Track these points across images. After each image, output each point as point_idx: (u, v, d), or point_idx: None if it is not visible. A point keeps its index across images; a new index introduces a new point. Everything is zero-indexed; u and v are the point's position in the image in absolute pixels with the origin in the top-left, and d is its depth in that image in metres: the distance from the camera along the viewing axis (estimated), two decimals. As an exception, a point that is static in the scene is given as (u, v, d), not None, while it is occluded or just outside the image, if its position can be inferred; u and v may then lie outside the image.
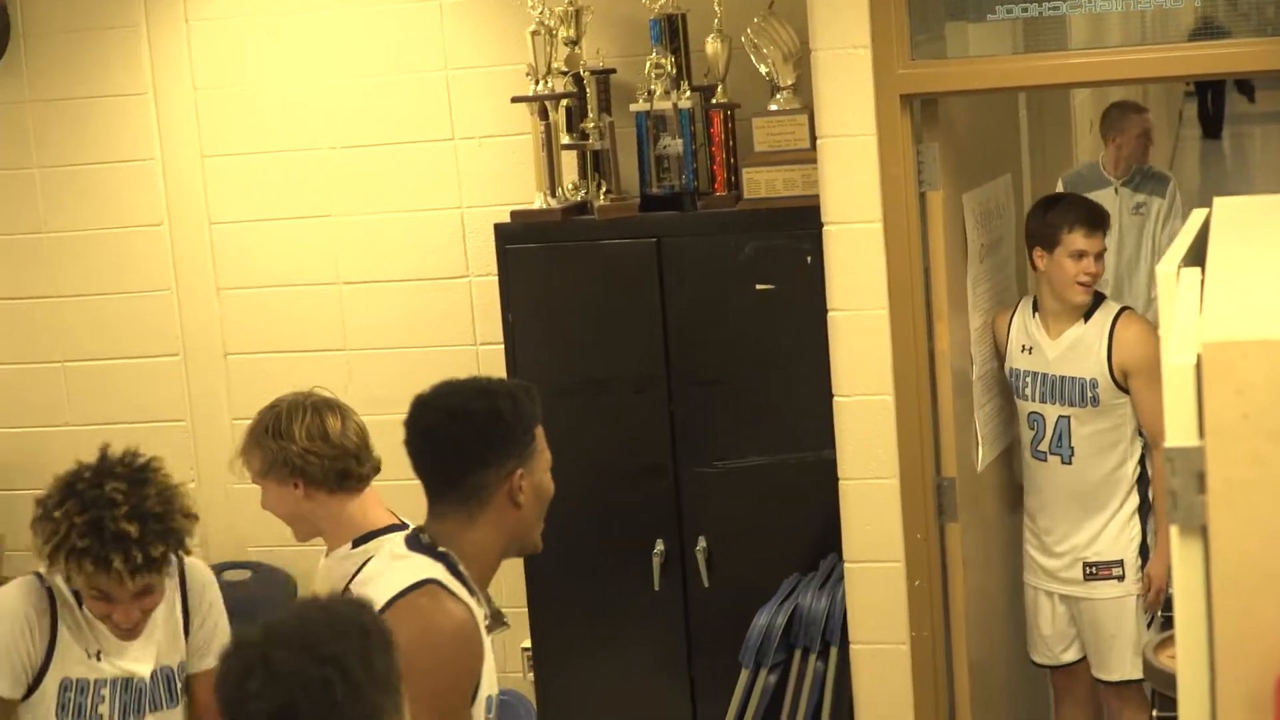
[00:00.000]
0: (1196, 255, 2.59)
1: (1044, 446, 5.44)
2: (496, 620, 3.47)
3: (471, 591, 3.29)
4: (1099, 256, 5.36)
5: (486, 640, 3.35)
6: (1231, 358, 1.99)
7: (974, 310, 5.54)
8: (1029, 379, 5.42)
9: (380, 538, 4.01)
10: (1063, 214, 5.38)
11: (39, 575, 3.83)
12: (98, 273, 6.51)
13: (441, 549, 3.29)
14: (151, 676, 3.83)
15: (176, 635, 3.93)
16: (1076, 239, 5.26)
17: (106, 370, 6.46)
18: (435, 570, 3.25)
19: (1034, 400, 5.40)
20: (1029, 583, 5.79)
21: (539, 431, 3.40)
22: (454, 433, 3.32)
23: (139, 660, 3.81)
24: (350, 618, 2.54)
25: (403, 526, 3.93)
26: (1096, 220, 5.44)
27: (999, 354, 5.67)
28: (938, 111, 5.04)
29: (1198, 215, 2.80)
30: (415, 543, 3.35)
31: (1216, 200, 3.09)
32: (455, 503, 3.32)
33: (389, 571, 3.34)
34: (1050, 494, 5.59)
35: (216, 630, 3.94)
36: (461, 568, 3.29)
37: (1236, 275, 2.41)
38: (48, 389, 6.38)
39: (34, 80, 6.49)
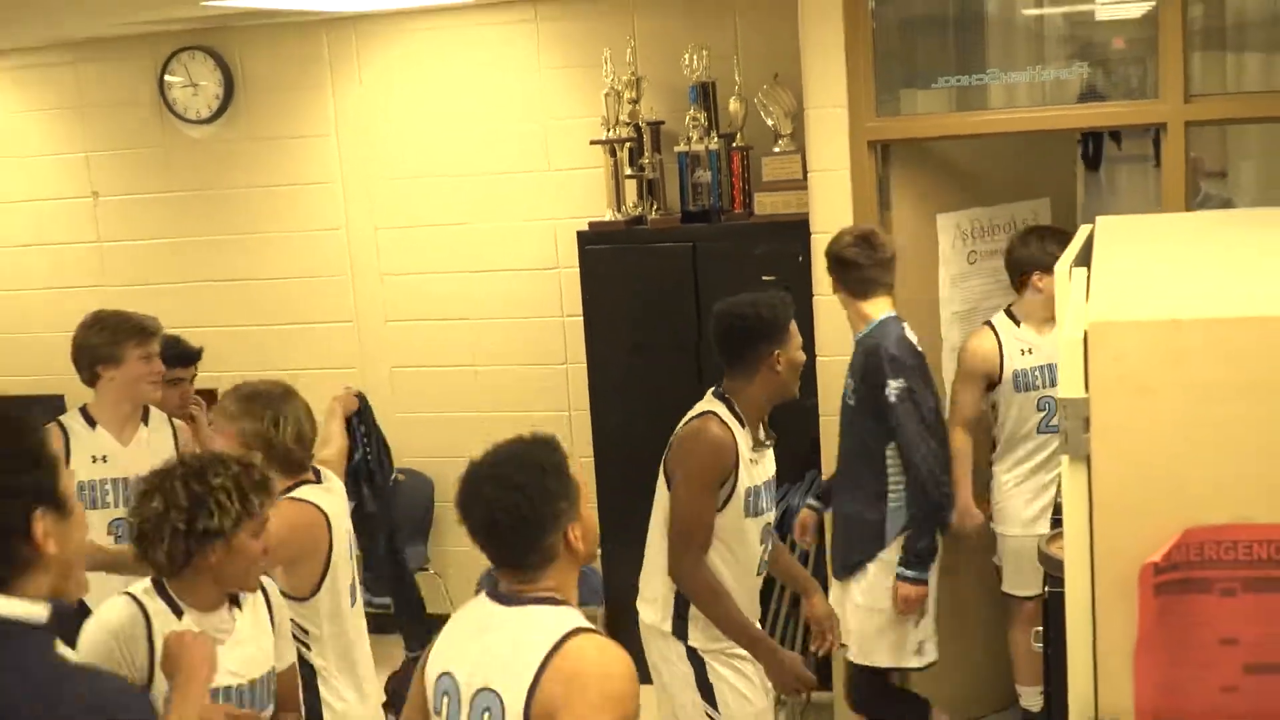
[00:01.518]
0: (1084, 258, 2.57)
1: (1055, 421, 5.04)
2: (759, 444, 3.99)
3: (742, 424, 3.91)
4: None
5: (746, 454, 3.90)
6: (1110, 333, 1.99)
7: (949, 297, 5.17)
8: (1037, 372, 4.81)
9: None
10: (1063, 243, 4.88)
11: (133, 596, 3.00)
12: (292, 262, 6.53)
13: (728, 395, 3.94)
14: (251, 684, 3.08)
15: (269, 643, 3.19)
16: None
17: (298, 332, 6.48)
18: (717, 407, 3.92)
19: (1045, 387, 4.79)
20: (1016, 534, 4.92)
21: (792, 326, 3.94)
22: (737, 326, 3.91)
23: (239, 672, 3.04)
24: (534, 456, 2.69)
25: None
26: None
27: (989, 374, 4.86)
28: (893, 153, 4.97)
29: (1084, 229, 2.77)
30: (718, 392, 3.98)
31: (1099, 218, 3.07)
32: (739, 370, 3.93)
33: (699, 405, 3.99)
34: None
35: (285, 634, 3.33)
36: (738, 409, 3.92)
37: (1113, 273, 2.40)
38: (251, 348, 6.41)
39: (250, 123, 6.50)
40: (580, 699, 2.57)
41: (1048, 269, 4.90)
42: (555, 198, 6.11)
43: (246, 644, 3.10)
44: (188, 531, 2.86)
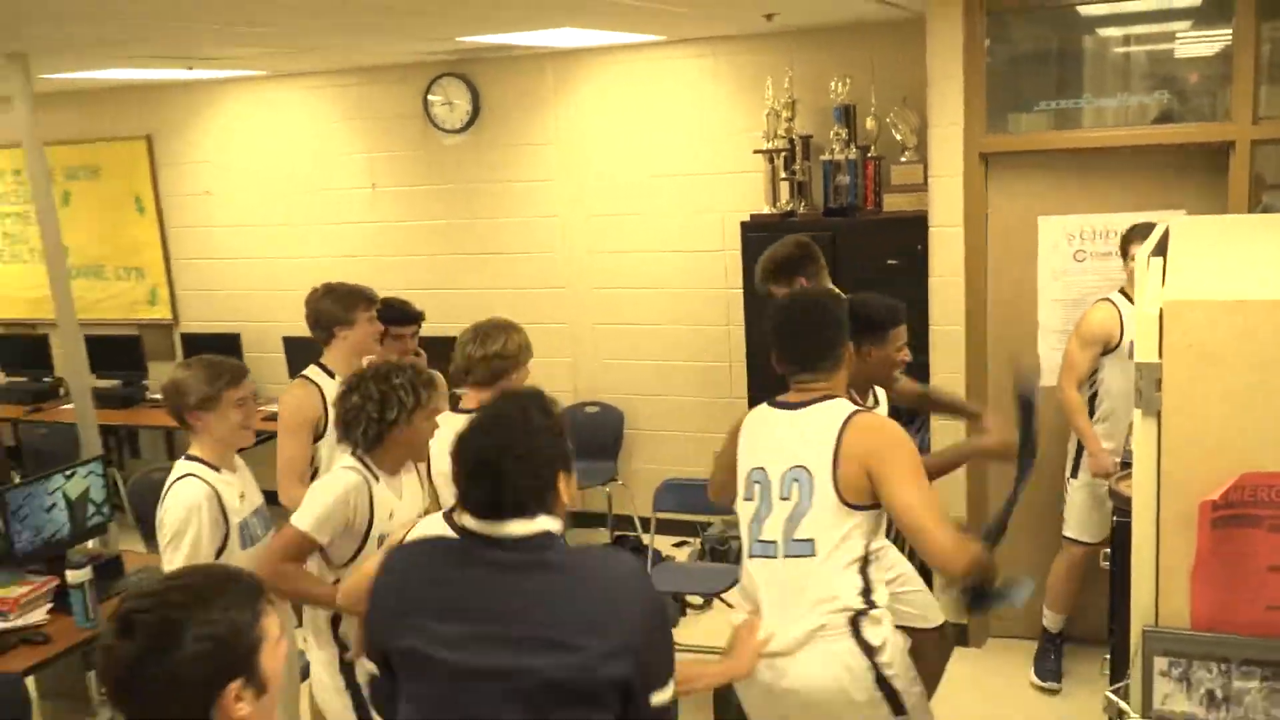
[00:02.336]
0: (1160, 249, 2.44)
1: None
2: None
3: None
4: None
5: None
6: (1182, 310, 1.92)
7: (1048, 287, 4.77)
8: None
9: None
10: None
11: (354, 467, 3.10)
12: (520, 241, 6.58)
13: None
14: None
15: (421, 499, 3.30)
16: None
17: (524, 296, 6.55)
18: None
19: None
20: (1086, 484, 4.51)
21: (894, 333, 3.41)
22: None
23: (407, 522, 2.94)
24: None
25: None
26: None
27: (1107, 340, 4.40)
28: (1000, 164, 4.79)
29: (1161, 225, 2.63)
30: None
31: (1174, 217, 2.94)
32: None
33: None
34: None
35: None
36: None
37: (1185, 261, 2.28)
38: (484, 307, 6.37)
39: (491, 133, 6.55)
40: (879, 437, 2.79)
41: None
42: (724, 195, 6.04)
43: (415, 500, 3.27)
44: (379, 419, 3.05)
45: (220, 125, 7.25)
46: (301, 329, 6.86)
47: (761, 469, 2.90)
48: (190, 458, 3.31)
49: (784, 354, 2.98)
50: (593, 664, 1.96)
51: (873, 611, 2.82)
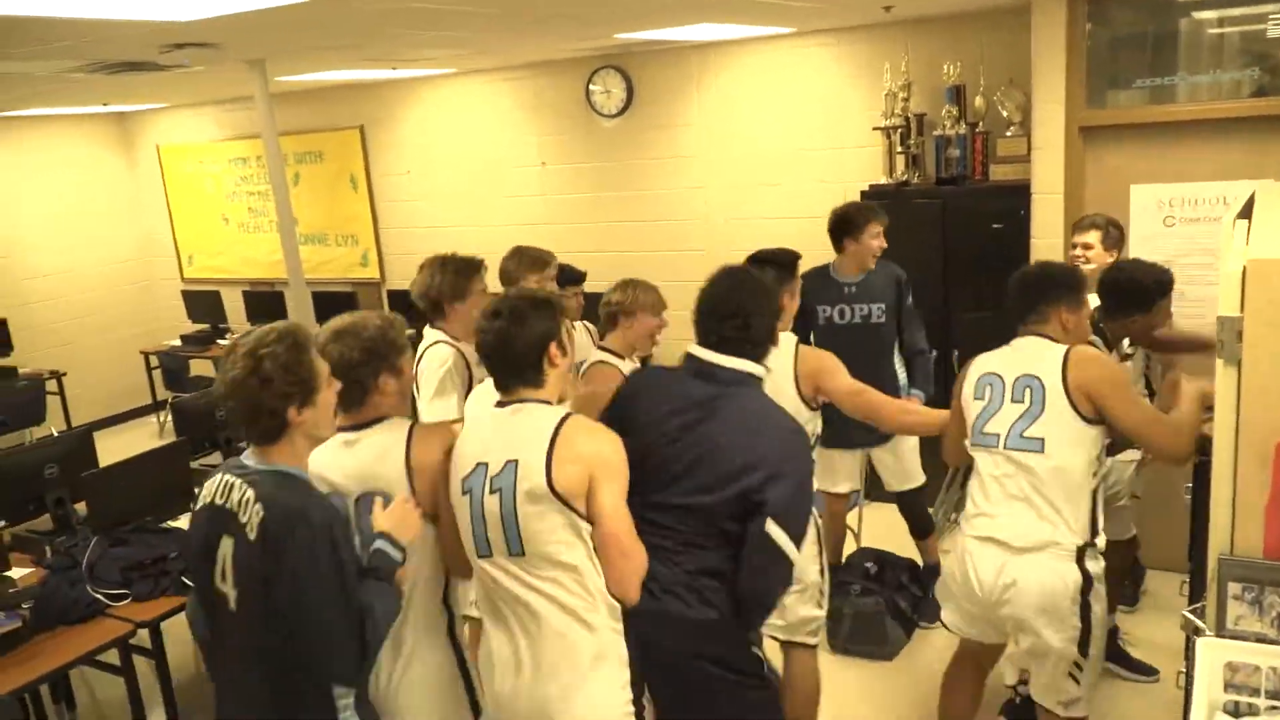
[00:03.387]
0: (1246, 213, 2.29)
1: None
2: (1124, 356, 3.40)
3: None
4: None
5: None
6: (1264, 268, 1.80)
7: (1137, 250, 4.34)
8: None
9: None
10: None
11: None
12: (667, 209, 6.56)
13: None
14: None
15: None
16: None
17: (669, 258, 6.55)
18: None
19: None
20: None
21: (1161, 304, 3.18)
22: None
23: None
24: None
25: None
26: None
27: None
28: (1097, 137, 4.55)
29: (1248, 191, 2.47)
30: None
31: (1259, 184, 2.74)
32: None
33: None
34: None
35: None
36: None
37: (1268, 225, 2.12)
38: (634, 268, 6.45)
39: (643, 116, 6.53)
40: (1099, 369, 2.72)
41: None
42: (844, 167, 5.90)
43: None
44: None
45: (418, 116, 7.42)
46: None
47: (995, 374, 2.84)
48: (435, 328, 3.45)
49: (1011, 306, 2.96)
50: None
51: (1096, 544, 2.75)
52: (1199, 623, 1.99)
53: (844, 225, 4.24)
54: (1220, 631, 1.88)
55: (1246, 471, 1.83)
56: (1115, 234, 3.87)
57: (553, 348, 2.24)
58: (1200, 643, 1.82)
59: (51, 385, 7.63)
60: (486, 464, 2.18)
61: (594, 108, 6.63)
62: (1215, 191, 4.17)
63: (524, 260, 3.90)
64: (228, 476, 2.09)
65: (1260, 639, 1.83)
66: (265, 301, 8.09)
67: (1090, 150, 4.55)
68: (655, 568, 2.18)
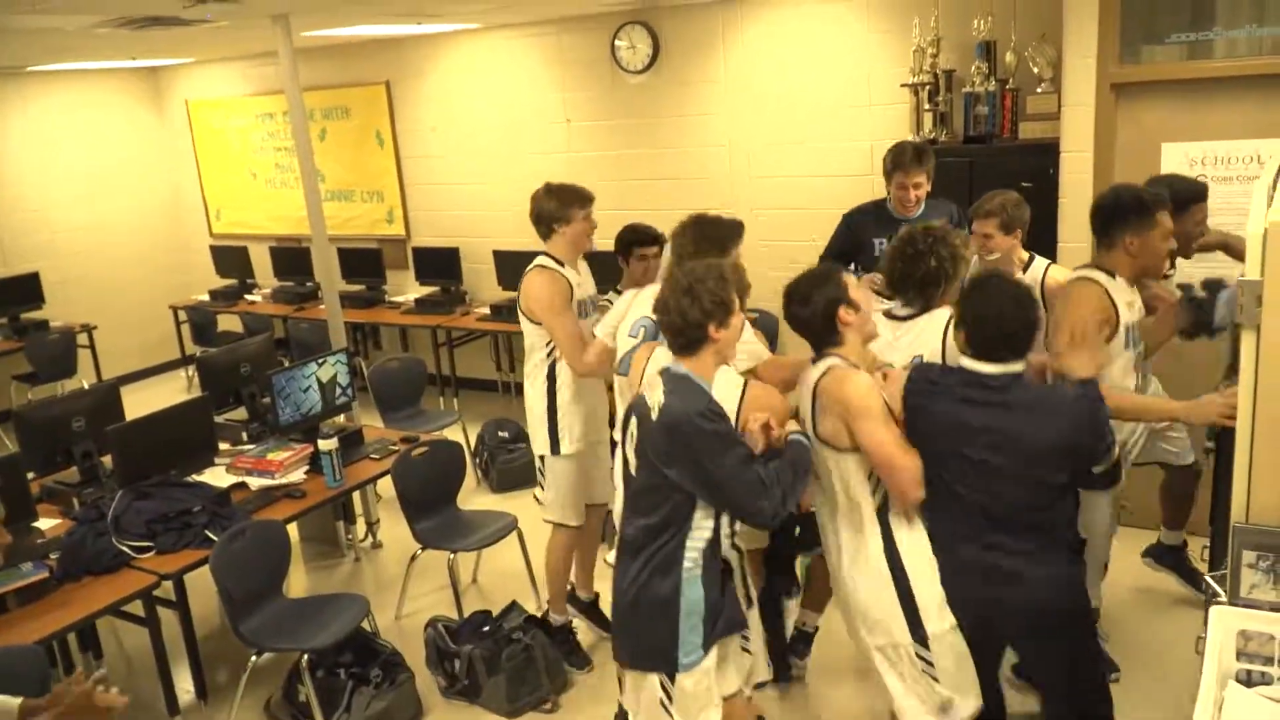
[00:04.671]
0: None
1: None
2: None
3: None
4: None
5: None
6: None
7: None
8: None
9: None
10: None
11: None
12: (693, 167, 6.49)
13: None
14: None
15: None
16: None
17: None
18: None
19: None
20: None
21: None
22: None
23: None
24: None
25: None
26: None
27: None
28: (1128, 94, 4.43)
29: (1278, 158, 2.39)
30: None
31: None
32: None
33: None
34: None
35: None
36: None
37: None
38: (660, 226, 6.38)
39: (669, 73, 6.45)
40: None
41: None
42: (872, 124, 5.80)
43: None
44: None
45: (443, 71, 7.36)
46: (509, 243, 7.07)
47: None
48: (545, 254, 3.70)
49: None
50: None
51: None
52: (1217, 587, 1.96)
53: (884, 167, 4.37)
54: (1234, 600, 1.84)
55: (1263, 437, 1.78)
56: (1014, 213, 3.80)
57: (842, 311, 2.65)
58: (1213, 611, 1.79)
59: (83, 339, 7.72)
60: None
61: (619, 64, 6.55)
62: (1249, 149, 4.05)
63: (558, 198, 3.75)
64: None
65: (1275, 608, 1.79)
66: (293, 257, 8.12)
67: (1122, 107, 4.43)
68: None
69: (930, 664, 2.64)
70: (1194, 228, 3.62)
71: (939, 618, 2.61)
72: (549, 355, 3.70)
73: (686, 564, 2.49)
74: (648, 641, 2.53)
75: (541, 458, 3.78)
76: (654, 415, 2.49)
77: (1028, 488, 2.56)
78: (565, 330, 3.60)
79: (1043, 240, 4.41)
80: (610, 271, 4.34)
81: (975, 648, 2.69)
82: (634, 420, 2.60)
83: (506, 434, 6.06)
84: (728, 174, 6.39)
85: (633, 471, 2.60)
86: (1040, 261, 3.87)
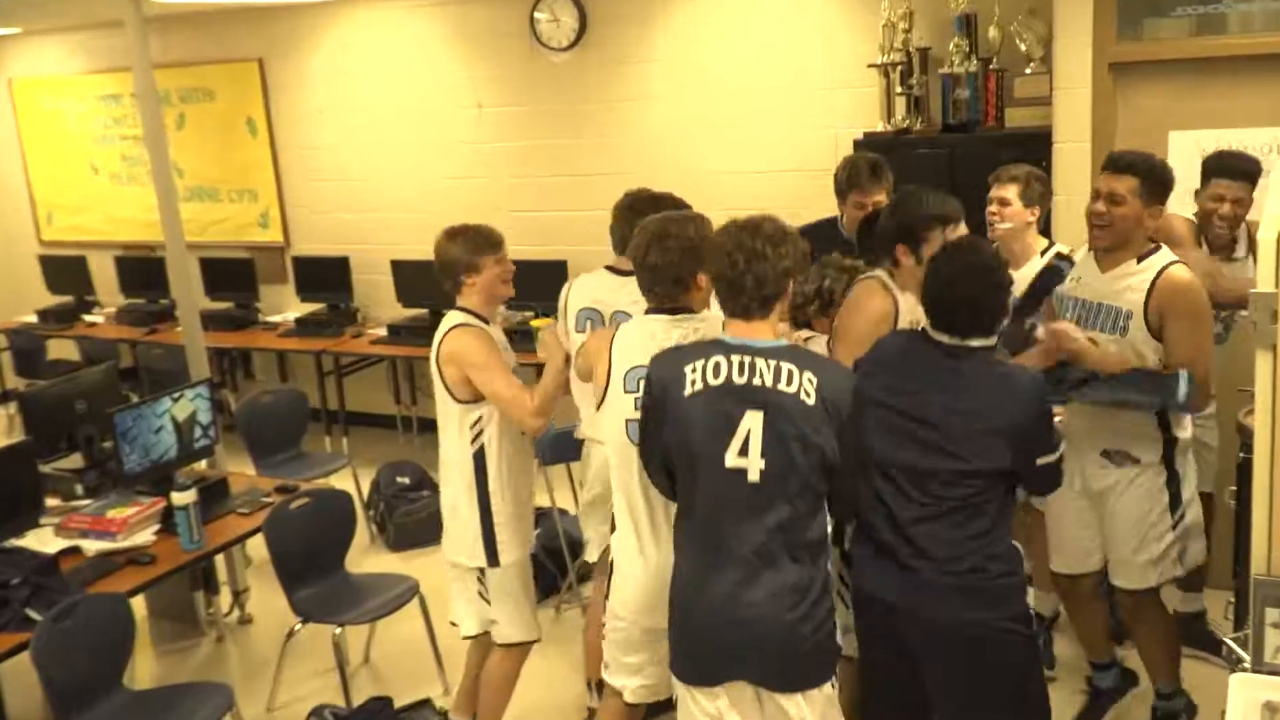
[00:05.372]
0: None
1: None
2: None
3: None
4: None
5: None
6: None
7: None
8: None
9: None
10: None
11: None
12: (628, 160, 6.48)
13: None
14: None
15: None
16: None
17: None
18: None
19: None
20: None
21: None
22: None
23: None
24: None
25: None
26: None
27: None
28: (1129, 76, 4.54)
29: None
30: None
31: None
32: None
33: None
34: None
35: None
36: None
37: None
38: (591, 230, 6.31)
39: (599, 50, 6.48)
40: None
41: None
42: (836, 111, 5.88)
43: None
44: None
45: (328, 47, 7.31)
46: (411, 251, 7.02)
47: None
48: (459, 309, 3.67)
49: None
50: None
51: None
52: (1241, 653, 1.98)
53: (836, 185, 4.34)
54: (1258, 666, 1.86)
55: (1287, 476, 1.81)
56: (1039, 188, 3.96)
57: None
58: (1234, 679, 1.80)
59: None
60: None
61: (539, 39, 6.56)
62: (1266, 138, 4.16)
63: (464, 245, 3.66)
64: (731, 358, 2.73)
65: (1304, 674, 1.81)
66: (143, 269, 7.96)
67: (1122, 91, 4.54)
68: None
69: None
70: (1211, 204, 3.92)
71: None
72: (475, 440, 3.63)
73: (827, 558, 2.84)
74: (815, 656, 2.79)
75: (480, 572, 3.71)
76: (809, 401, 2.68)
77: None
78: (509, 386, 3.52)
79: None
80: (551, 282, 4.36)
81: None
82: (751, 423, 2.71)
83: (407, 479, 6.00)
84: (669, 167, 6.40)
85: (756, 479, 2.71)
86: (1055, 249, 3.97)
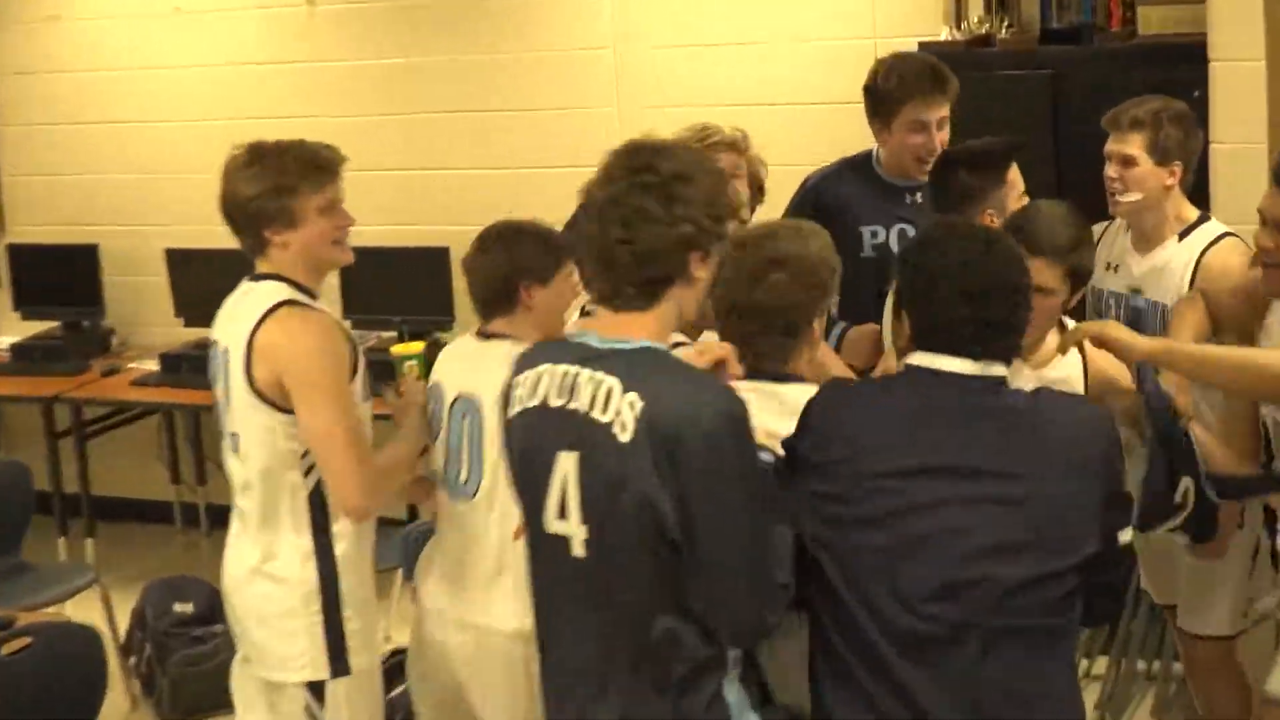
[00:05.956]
0: None
1: None
2: None
3: None
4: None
5: None
6: None
7: None
8: None
9: None
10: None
11: None
12: (551, 90, 6.67)
13: None
14: None
15: None
16: None
17: (555, 178, 6.55)
18: None
19: None
20: None
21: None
22: None
23: None
24: None
25: None
26: None
27: None
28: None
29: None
30: None
31: None
32: None
33: None
34: None
35: None
36: None
37: None
38: (497, 195, 6.33)
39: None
40: None
41: None
42: (877, 11, 6.05)
43: None
44: None
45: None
46: (195, 238, 7.05)
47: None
48: (272, 277, 3.75)
49: None
50: None
51: None
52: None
53: (872, 101, 4.61)
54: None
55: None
56: (1176, 133, 4.10)
57: None
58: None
59: None
60: None
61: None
62: None
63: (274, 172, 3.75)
64: (558, 368, 2.81)
65: None
66: None
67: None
68: None
69: None
70: None
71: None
72: (310, 472, 3.69)
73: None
74: None
75: (311, 687, 3.77)
76: (623, 436, 2.69)
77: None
78: (346, 430, 3.60)
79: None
80: (427, 281, 4.34)
81: None
82: (566, 467, 2.79)
83: (189, 607, 5.96)
84: (612, 101, 6.52)
85: (581, 552, 2.77)
86: (1210, 228, 4.17)
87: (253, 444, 3.70)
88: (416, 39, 6.86)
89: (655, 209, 2.71)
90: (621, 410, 2.64)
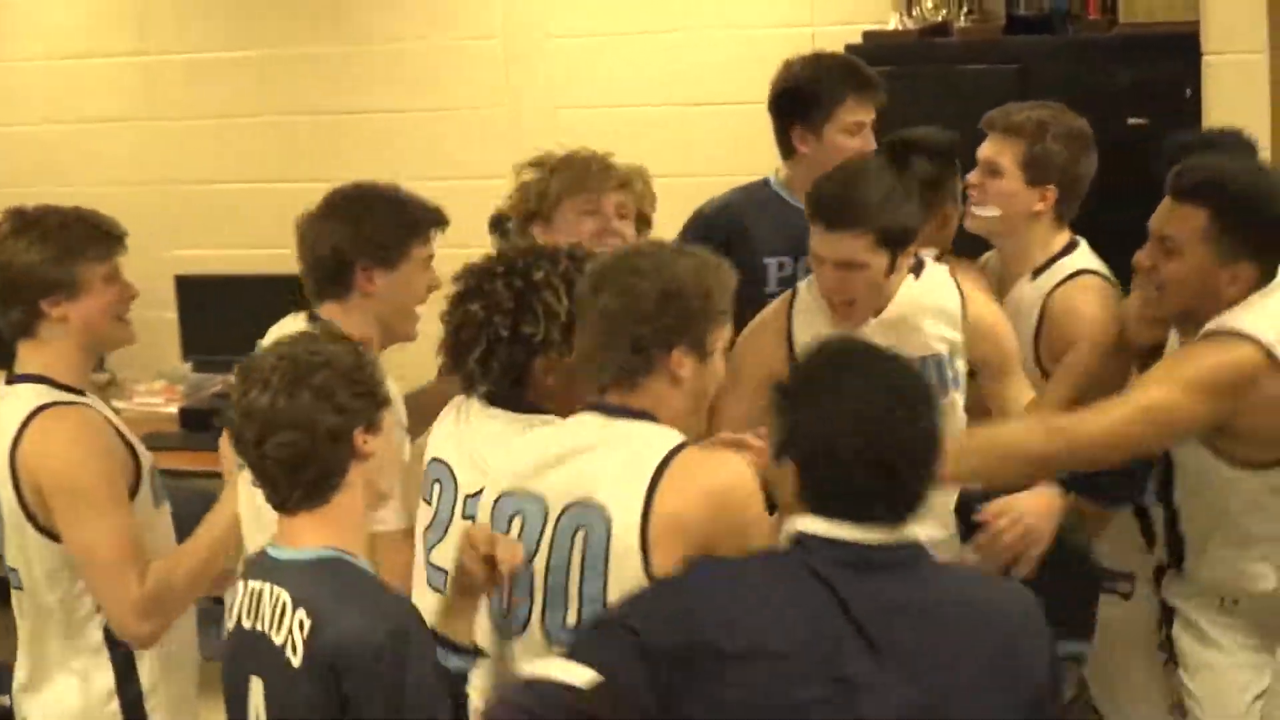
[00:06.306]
0: None
1: None
2: None
3: None
4: None
5: None
6: None
7: None
8: None
9: None
10: None
11: None
12: (435, 89, 6.75)
13: None
14: None
15: None
16: None
17: (444, 191, 6.55)
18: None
19: None
20: None
21: None
22: None
23: None
24: None
25: None
26: None
27: None
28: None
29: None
30: None
31: None
32: None
33: None
34: None
35: None
36: None
37: None
38: None
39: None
40: None
41: None
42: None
43: None
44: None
45: None
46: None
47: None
48: (34, 379, 3.71)
49: None
50: None
51: None
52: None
53: (795, 103, 4.58)
54: None
55: None
56: (1056, 148, 4.17)
57: None
58: None
59: None
60: None
61: None
62: None
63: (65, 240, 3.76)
64: (250, 582, 2.88)
65: None
66: None
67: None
68: None
69: None
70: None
71: None
72: (100, 610, 3.72)
73: None
74: None
75: None
76: (293, 656, 2.75)
77: None
78: (117, 544, 3.61)
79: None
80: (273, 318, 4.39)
81: None
82: (255, 698, 2.85)
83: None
84: (504, 100, 6.55)
85: None
86: (1065, 264, 4.20)
87: (39, 581, 3.70)
88: (267, 28, 6.91)
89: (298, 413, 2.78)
90: (293, 630, 2.71)
